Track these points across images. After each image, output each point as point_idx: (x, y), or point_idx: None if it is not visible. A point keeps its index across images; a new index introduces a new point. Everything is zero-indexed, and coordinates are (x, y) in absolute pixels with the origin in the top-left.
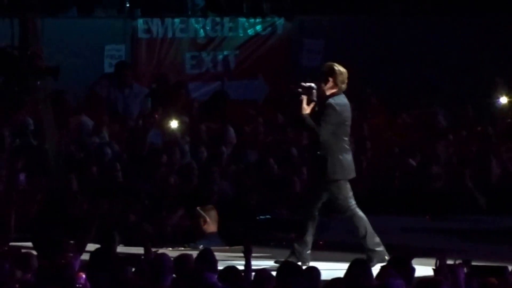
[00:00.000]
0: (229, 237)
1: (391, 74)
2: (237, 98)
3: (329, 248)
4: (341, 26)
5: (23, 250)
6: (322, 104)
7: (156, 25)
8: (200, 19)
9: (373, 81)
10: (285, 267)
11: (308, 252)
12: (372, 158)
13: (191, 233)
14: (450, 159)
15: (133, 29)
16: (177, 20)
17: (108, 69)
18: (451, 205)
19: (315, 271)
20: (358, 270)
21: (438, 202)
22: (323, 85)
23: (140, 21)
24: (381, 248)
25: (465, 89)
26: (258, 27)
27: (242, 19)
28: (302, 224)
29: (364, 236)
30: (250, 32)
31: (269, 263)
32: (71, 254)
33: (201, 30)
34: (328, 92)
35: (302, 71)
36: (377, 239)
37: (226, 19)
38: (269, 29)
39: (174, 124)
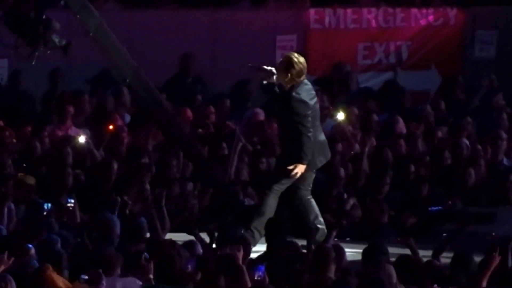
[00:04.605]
0: (401, 228)
1: None
2: (409, 89)
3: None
4: None
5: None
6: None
7: (328, 15)
8: (372, 9)
9: None
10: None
11: None
12: None
13: (362, 224)
14: None
15: (305, 20)
16: (349, 11)
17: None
18: None
19: None
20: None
21: None
22: (283, 77)
23: (312, 11)
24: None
25: None
26: (430, 18)
27: (414, 10)
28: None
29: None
30: (422, 22)
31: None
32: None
33: (373, 21)
34: (288, 85)
35: (475, 62)
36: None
37: (398, 10)
38: (441, 19)
39: (340, 115)
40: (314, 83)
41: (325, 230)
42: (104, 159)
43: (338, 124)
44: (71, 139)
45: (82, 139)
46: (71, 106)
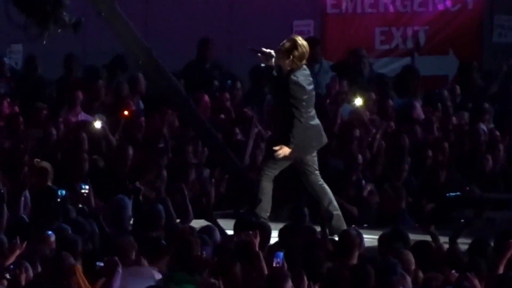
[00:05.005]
0: (417, 215)
1: None
2: (427, 74)
3: None
4: None
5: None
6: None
7: (345, 0)
8: None
9: None
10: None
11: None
12: None
13: (380, 211)
14: None
15: (322, 5)
16: None
17: None
18: None
19: None
20: None
21: None
22: (284, 59)
23: None
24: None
25: None
26: (448, 2)
27: None
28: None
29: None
30: (440, 7)
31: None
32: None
33: (391, 6)
34: (288, 67)
35: (493, 47)
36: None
37: None
38: (459, 4)
39: (358, 101)
40: (331, 68)
41: (341, 215)
42: (119, 145)
43: (356, 110)
44: (87, 125)
45: (98, 124)
46: (80, 92)
